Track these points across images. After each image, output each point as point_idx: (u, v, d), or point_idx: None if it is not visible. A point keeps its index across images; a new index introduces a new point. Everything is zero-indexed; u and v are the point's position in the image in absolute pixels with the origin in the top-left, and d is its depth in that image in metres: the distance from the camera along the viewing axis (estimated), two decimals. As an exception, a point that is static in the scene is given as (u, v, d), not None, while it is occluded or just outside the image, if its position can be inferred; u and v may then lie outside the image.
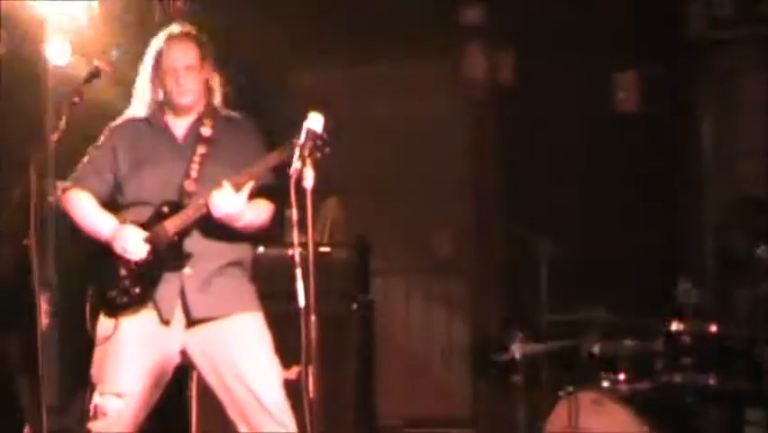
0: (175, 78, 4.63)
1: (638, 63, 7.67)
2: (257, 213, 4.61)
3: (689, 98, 7.74)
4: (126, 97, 4.81)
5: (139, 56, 4.78)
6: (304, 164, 4.08)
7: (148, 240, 4.52)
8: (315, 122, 4.20)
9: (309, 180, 4.08)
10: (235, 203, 4.45)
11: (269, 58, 7.52)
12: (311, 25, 7.77)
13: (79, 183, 4.68)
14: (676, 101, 7.64)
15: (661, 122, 7.57)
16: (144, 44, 4.77)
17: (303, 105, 4.32)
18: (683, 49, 7.67)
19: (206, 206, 4.46)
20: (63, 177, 4.76)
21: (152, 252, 4.52)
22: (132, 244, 4.51)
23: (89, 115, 4.70)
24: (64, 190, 4.69)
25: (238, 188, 4.44)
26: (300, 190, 4.07)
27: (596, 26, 7.55)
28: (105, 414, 4.51)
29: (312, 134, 4.16)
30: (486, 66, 7.86)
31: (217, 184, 4.45)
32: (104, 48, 6.42)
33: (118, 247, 4.52)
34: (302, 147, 4.11)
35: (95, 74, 4.56)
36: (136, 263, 4.52)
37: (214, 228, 4.54)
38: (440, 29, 7.78)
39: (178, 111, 4.70)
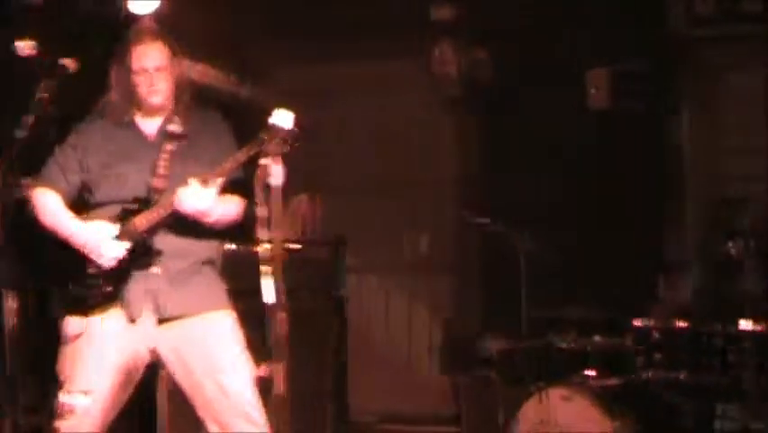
0: (145, 79, 4.61)
1: (618, 60, 7.61)
2: (226, 209, 4.59)
3: (669, 96, 7.70)
4: (93, 96, 4.79)
5: (105, 54, 4.76)
6: (271, 161, 4.08)
7: (118, 238, 4.50)
8: (281, 118, 4.20)
9: (277, 177, 4.07)
10: (203, 199, 4.44)
11: (243, 55, 7.50)
12: (287, 22, 7.78)
13: (45, 182, 4.66)
14: (657, 98, 7.62)
15: (641, 119, 7.53)
16: (110, 42, 4.75)
17: (281, 103, 4.31)
18: (664, 46, 7.65)
19: (171, 207, 4.46)
20: (30, 175, 4.74)
21: (124, 249, 4.51)
22: (104, 242, 4.50)
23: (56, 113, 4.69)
24: (30, 189, 4.68)
25: (206, 183, 4.43)
26: (268, 187, 4.07)
27: (574, 23, 7.53)
28: (72, 412, 4.48)
29: (279, 131, 4.16)
30: (460, 63, 7.81)
31: (185, 182, 4.43)
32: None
33: (88, 246, 4.50)
34: (269, 144, 4.12)
35: (61, 71, 4.54)
36: (107, 263, 4.50)
37: (185, 226, 4.53)
38: (415, 26, 7.76)
39: (148, 110, 4.68)
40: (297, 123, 4.24)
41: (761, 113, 7.49)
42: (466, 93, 7.90)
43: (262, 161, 4.10)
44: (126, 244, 4.49)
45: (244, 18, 7.43)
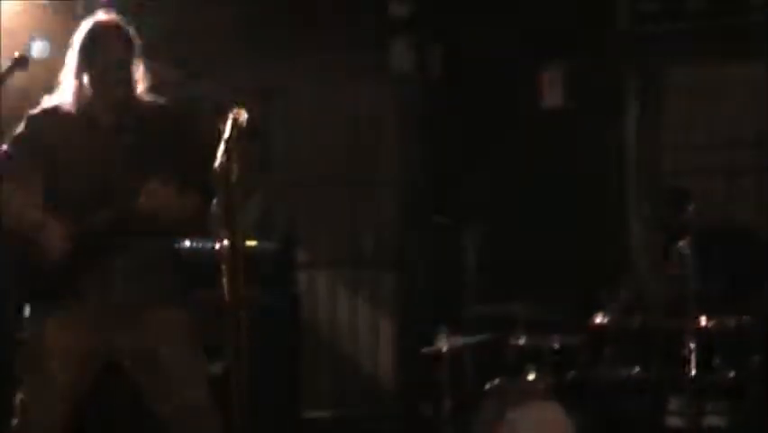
0: (106, 70, 4.54)
1: (565, 58, 7.71)
2: (183, 207, 4.50)
3: (615, 92, 7.78)
4: (49, 88, 4.70)
5: (61, 45, 4.68)
6: (229, 158, 4.01)
7: (73, 233, 4.44)
8: (239, 116, 4.15)
9: (235, 175, 4.03)
10: (161, 196, 4.38)
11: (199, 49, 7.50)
12: (243, 17, 7.78)
13: (5, 179, 4.57)
14: (603, 95, 7.69)
15: (587, 116, 7.61)
16: (67, 33, 4.67)
17: (236, 97, 4.38)
18: (610, 43, 7.71)
19: (133, 198, 4.39)
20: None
21: (79, 245, 4.45)
22: (58, 235, 4.43)
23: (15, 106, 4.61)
24: None
25: (165, 182, 4.37)
26: (226, 184, 4.04)
27: (524, 20, 7.60)
28: (34, 408, 4.47)
29: (237, 129, 4.11)
30: (413, 60, 7.86)
31: (143, 176, 4.37)
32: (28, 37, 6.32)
33: (44, 241, 4.43)
34: (227, 141, 4.05)
35: (20, 63, 4.45)
36: (63, 257, 4.45)
37: (143, 221, 4.45)
38: (369, 22, 7.79)
39: (107, 102, 4.60)
40: (251, 120, 4.20)
41: (705, 108, 7.59)
42: (419, 89, 7.92)
43: (220, 159, 4.04)
44: (79, 238, 4.43)
45: (197, 13, 7.40)
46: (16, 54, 4.56)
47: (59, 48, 4.76)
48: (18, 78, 4.54)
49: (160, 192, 4.36)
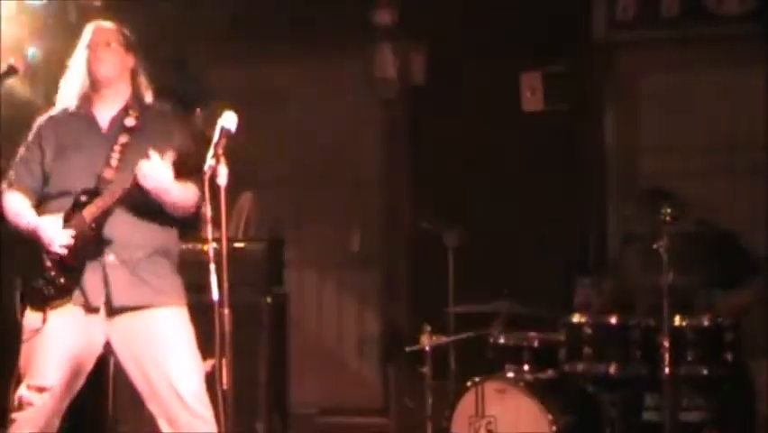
0: (95, 52, 4.63)
1: (545, 64, 7.71)
2: (185, 191, 4.53)
3: (593, 97, 7.81)
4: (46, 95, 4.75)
5: (54, 54, 4.70)
6: (218, 161, 4.07)
7: (67, 229, 4.46)
8: (229, 120, 4.17)
9: (223, 178, 4.07)
10: (164, 171, 4.41)
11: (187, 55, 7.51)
12: (230, 24, 7.75)
13: (14, 185, 4.65)
14: (581, 100, 7.71)
15: (566, 120, 7.63)
16: (61, 42, 4.70)
17: (220, 102, 4.30)
18: (588, 50, 7.76)
19: (131, 182, 4.42)
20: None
21: (75, 241, 4.46)
22: (52, 234, 4.46)
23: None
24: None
25: (165, 160, 4.43)
26: (214, 187, 4.06)
27: (504, 28, 7.60)
28: (30, 404, 4.47)
29: (226, 133, 4.14)
30: (397, 66, 7.86)
31: (145, 155, 4.41)
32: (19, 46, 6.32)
33: (42, 239, 4.47)
34: (216, 145, 4.10)
35: (10, 72, 4.47)
36: (59, 254, 4.47)
37: (140, 214, 4.51)
38: (354, 30, 7.81)
39: (102, 95, 4.66)
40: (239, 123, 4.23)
41: (678, 112, 7.63)
42: (402, 94, 7.95)
43: (209, 162, 4.07)
44: (72, 232, 4.45)
45: (185, 17, 7.39)
46: (11, 60, 4.57)
47: (55, 52, 4.78)
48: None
49: (161, 167, 4.39)
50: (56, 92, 4.74)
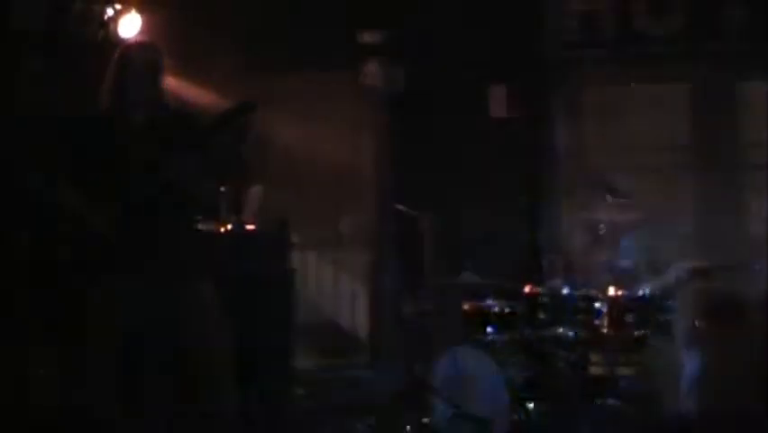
0: (138, 83, 4.57)
1: (508, 78, 7.97)
2: (222, 146, 4.60)
3: (547, 107, 8.13)
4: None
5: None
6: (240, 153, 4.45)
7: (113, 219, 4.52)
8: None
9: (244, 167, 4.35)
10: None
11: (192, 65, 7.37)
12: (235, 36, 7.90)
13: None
14: (537, 109, 8.01)
15: (525, 125, 7.92)
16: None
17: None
18: (542, 66, 8.07)
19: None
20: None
21: (119, 229, 4.50)
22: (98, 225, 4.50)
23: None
24: None
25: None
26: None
27: (472, 48, 7.80)
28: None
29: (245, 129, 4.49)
30: (382, 78, 7.99)
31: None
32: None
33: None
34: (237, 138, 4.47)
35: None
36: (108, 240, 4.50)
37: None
38: (344, 46, 7.93)
39: (138, 108, 4.58)
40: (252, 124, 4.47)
41: (620, 119, 7.99)
42: (387, 102, 8.05)
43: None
44: (118, 221, 4.44)
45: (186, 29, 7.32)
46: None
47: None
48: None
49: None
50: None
